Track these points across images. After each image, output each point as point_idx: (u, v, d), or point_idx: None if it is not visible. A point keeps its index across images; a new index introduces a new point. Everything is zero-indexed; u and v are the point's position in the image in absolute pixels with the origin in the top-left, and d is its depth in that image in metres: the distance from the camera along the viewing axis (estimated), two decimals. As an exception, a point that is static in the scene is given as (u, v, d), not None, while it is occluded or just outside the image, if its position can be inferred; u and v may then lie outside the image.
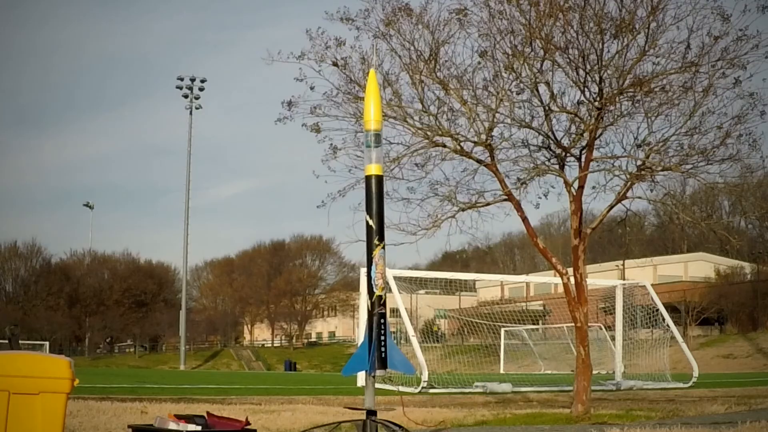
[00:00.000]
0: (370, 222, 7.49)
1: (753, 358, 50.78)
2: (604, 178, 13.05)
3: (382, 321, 7.38)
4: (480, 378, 26.47)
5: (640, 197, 13.17)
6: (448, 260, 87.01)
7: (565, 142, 12.93)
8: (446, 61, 12.42)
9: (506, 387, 22.45)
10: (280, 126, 12.77)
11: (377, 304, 7.38)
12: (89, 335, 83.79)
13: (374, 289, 7.39)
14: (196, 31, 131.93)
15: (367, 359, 7.33)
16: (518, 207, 12.96)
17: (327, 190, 12.48)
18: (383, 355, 7.31)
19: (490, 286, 74.86)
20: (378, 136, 7.68)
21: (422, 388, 21.39)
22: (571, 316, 13.11)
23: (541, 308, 58.66)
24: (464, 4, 12.16)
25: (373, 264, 7.44)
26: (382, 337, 7.34)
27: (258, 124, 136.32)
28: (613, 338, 29.71)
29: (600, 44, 11.96)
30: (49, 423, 5.46)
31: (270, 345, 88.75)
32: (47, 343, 61.83)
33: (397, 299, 23.56)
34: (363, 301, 20.43)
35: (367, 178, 7.59)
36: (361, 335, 16.05)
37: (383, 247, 7.48)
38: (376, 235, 7.46)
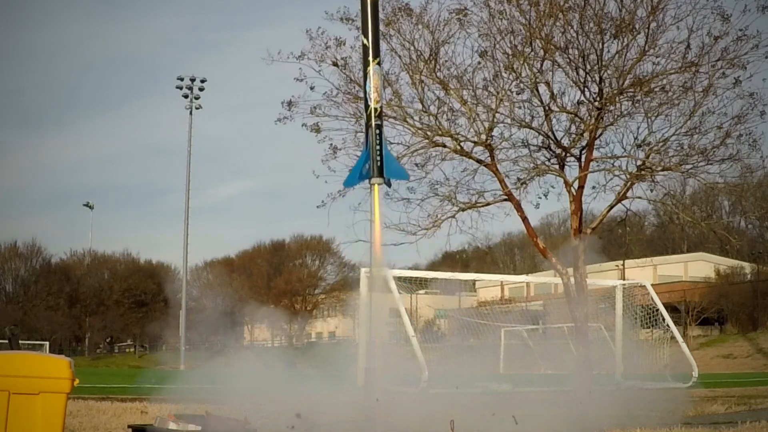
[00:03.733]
0: (365, 42, 7.78)
1: (753, 358, 50.69)
2: (604, 178, 13.09)
3: (378, 132, 7.67)
4: (480, 378, 26.40)
5: (640, 197, 13.22)
6: (448, 260, 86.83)
7: (565, 142, 12.95)
8: (446, 61, 12.46)
9: (506, 387, 22.41)
10: (280, 126, 12.83)
11: (373, 116, 7.68)
12: (89, 335, 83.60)
13: (369, 102, 7.68)
14: (196, 31, 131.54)
15: (366, 168, 7.65)
16: (518, 207, 12.97)
17: (327, 190, 12.54)
18: (379, 164, 7.58)
19: (490, 286, 74.67)
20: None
21: (422, 388, 21.34)
22: (571, 316, 13.11)
23: (541, 308, 58.54)
24: (464, 4, 12.21)
25: (368, 78, 7.71)
26: (378, 147, 7.61)
27: (258, 124, 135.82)
28: (613, 338, 29.66)
29: (600, 44, 11.97)
30: (49, 423, 5.45)
31: (270, 345, 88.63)
32: (47, 343, 61.66)
33: (397, 299, 23.49)
34: (363, 301, 20.38)
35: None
36: (361, 335, 16.03)
37: (378, 63, 7.77)
38: (371, 53, 7.75)
